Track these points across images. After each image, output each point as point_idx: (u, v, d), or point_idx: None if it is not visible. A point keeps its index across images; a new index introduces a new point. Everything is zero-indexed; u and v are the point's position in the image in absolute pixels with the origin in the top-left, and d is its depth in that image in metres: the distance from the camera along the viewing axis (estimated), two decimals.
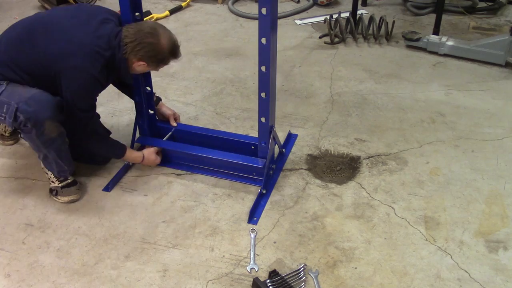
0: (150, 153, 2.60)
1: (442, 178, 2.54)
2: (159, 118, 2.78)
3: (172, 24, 4.34)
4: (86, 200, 2.44)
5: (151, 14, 4.40)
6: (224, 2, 4.74)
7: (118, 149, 2.50)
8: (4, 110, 2.16)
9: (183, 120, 2.97)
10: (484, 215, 2.32)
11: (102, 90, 2.33)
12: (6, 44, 2.25)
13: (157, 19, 4.39)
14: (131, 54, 2.23)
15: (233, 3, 4.63)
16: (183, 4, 4.66)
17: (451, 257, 2.11)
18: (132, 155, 2.55)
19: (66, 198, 2.43)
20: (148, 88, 2.58)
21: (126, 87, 2.65)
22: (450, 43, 3.66)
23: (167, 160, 2.67)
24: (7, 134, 2.79)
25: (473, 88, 3.31)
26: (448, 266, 2.08)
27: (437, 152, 2.72)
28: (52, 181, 2.42)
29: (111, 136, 2.62)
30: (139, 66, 2.28)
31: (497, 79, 3.42)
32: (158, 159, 2.63)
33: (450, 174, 2.56)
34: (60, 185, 2.41)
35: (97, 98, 2.33)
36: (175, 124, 2.76)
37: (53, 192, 2.44)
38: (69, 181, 2.43)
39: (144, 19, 2.51)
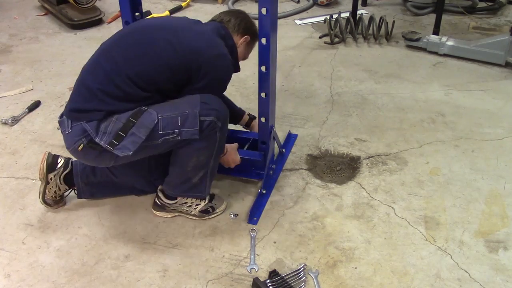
0: (232, 149, 2.40)
1: (442, 178, 2.54)
2: None
3: None
4: (86, 200, 2.44)
5: (151, 14, 4.40)
6: (224, 2, 4.74)
7: None
8: (179, 124, 1.97)
9: None
10: (484, 215, 2.32)
11: None
12: (123, 59, 2.00)
13: None
14: (234, 31, 2.25)
15: (233, 3, 4.63)
16: (183, 4, 4.66)
17: (451, 257, 2.11)
18: None
19: (223, 206, 2.34)
20: None
21: None
22: (450, 43, 3.66)
23: None
24: (58, 198, 2.38)
25: (473, 88, 3.31)
26: (448, 266, 2.08)
27: (437, 152, 2.72)
28: (198, 204, 2.27)
29: None
30: (242, 45, 2.28)
31: (497, 79, 3.42)
32: (238, 158, 2.43)
33: (450, 174, 2.56)
34: (207, 202, 2.29)
35: None
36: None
37: (208, 211, 2.29)
38: (210, 195, 2.31)
39: (144, 19, 2.50)
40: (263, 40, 2.11)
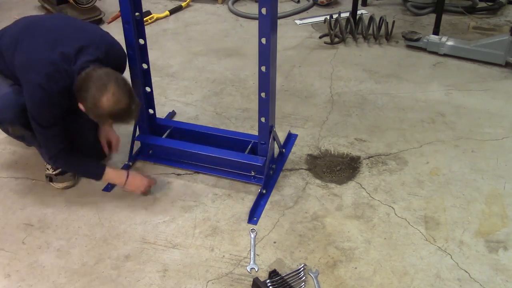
0: (136, 174, 2.44)
1: (442, 178, 2.54)
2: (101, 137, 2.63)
3: (172, 24, 4.34)
4: (86, 200, 2.44)
5: (151, 14, 4.39)
6: (224, 2, 4.74)
7: (94, 169, 2.39)
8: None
9: (183, 120, 2.97)
10: (484, 215, 2.32)
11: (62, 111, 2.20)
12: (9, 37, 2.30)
13: (157, 19, 4.39)
14: (77, 92, 2.10)
15: (233, 3, 4.63)
16: (183, 4, 4.66)
17: (451, 257, 2.11)
18: (112, 175, 2.40)
19: (60, 185, 2.50)
20: (148, 89, 2.58)
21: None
22: (450, 43, 3.66)
23: (167, 159, 2.67)
24: None
25: (473, 88, 3.31)
26: (448, 266, 2.08)
27: (437, 152, 2.72)
28: (47, 168, 2.51)
29: None
30: (81, 106, 2.12)
31: (497, 79, 3.42)
32: (144, 184, 2.42)
33: (450, 174, 2.56)
34: (54, 172, 2.49)
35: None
36: (111, 151, 2.65)
37: (48, 178, 2.52)
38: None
39: (144, 19, 2.50)
40: (263, 40, 2.11)
